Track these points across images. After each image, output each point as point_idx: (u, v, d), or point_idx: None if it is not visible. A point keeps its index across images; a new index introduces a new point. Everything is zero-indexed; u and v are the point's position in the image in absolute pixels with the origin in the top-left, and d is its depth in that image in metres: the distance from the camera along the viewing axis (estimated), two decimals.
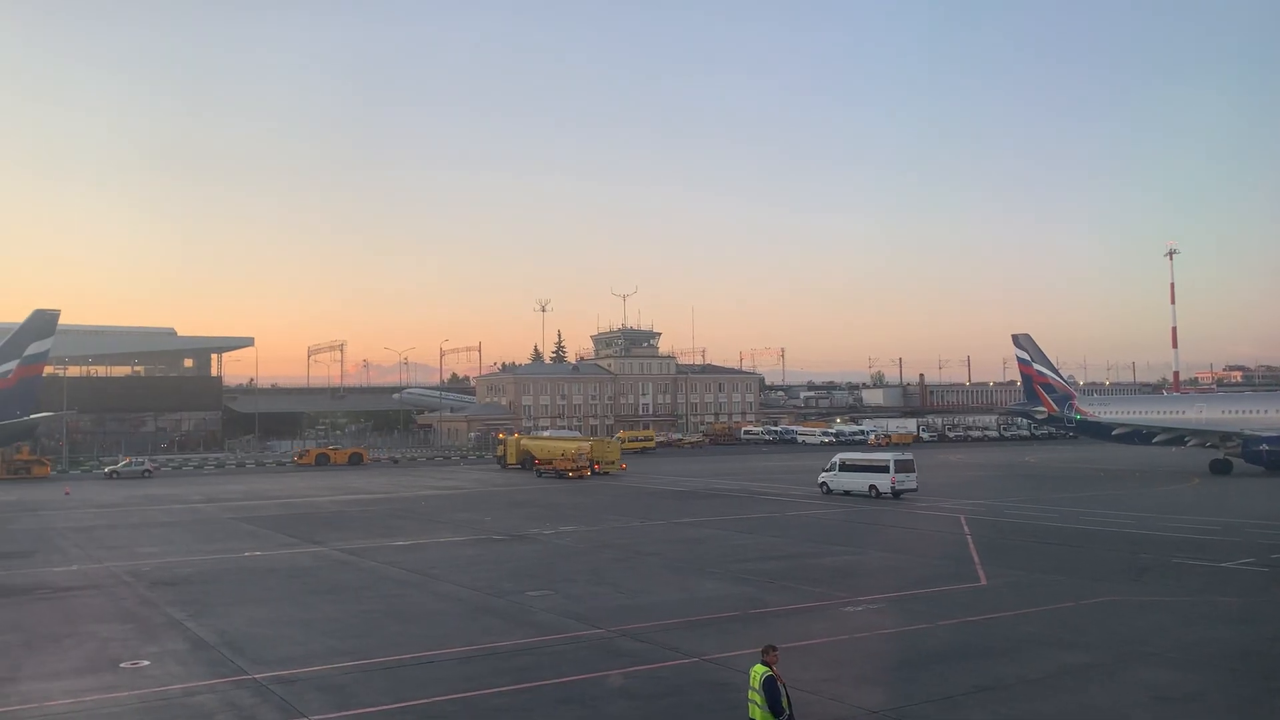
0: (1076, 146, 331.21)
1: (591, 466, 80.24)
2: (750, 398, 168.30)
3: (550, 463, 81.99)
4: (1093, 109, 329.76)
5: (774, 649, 14.32)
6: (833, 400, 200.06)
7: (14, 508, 58.64)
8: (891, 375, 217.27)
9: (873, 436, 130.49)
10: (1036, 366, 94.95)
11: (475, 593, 28.93)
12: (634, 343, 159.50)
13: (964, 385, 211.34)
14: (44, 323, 69.99)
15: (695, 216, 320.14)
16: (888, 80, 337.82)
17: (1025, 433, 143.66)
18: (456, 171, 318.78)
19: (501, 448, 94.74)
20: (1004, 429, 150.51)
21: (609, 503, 58.10)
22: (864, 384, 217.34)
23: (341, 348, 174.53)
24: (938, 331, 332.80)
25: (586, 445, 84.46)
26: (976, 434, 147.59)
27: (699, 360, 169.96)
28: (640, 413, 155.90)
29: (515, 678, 19.54)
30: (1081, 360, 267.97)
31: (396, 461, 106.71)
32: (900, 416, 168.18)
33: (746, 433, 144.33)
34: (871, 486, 56.80)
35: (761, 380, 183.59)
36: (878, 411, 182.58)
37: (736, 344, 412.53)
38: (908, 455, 59.91)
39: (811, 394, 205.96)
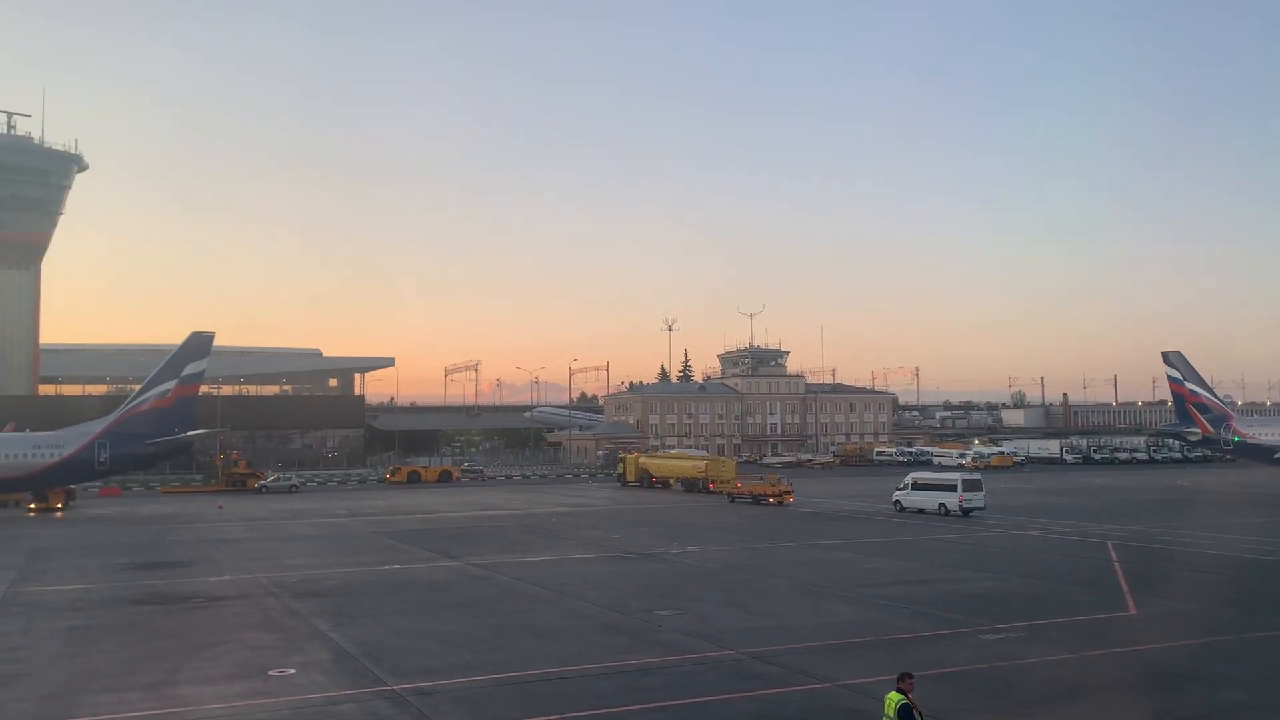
0: (1229, 152, 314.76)
1: (706, 485, 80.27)
2: (883, 418, 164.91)
3: (669, 480, 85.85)
4: (1249, 114, 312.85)
5: (909, 676, 13.93)
6: (970, 420, 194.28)
7: (172, 520, 62.00)
8: (1033, 394, 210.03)
9: (970, 458, 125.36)
10: (1189, 385, 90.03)
11: (605, 610, 29.10)
12: (761, 361, 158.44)
13: (1110, 405, 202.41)
14: (200, 344, 73.81)
15: (824, 233, 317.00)
16: (1030, 89, 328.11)
17: (1177, 455, 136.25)
18: (583, 192, 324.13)
19: (621, 466, 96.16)
20: (1154, 451, 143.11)
21: (734, 523, 57.71)
22: (1004, 404, 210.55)
23: (476, 368, 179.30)
24: (1082, 349, 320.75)
25: (701, 464, 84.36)
26: (1124, 456, 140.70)
27: (828, 379, 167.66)
28: (768, 432, 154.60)
29: (645, 696, 19.54)
30: (1239, 378, 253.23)
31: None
32: (1042, 437, 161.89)
33: (879, 454, 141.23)
34: (941, 504, 59.39)
35: (895, 400, 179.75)
36: (1018, 432, 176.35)
37: (868, 363, 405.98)
38: (976, 475, 65.81)
39: (948, 414, 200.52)
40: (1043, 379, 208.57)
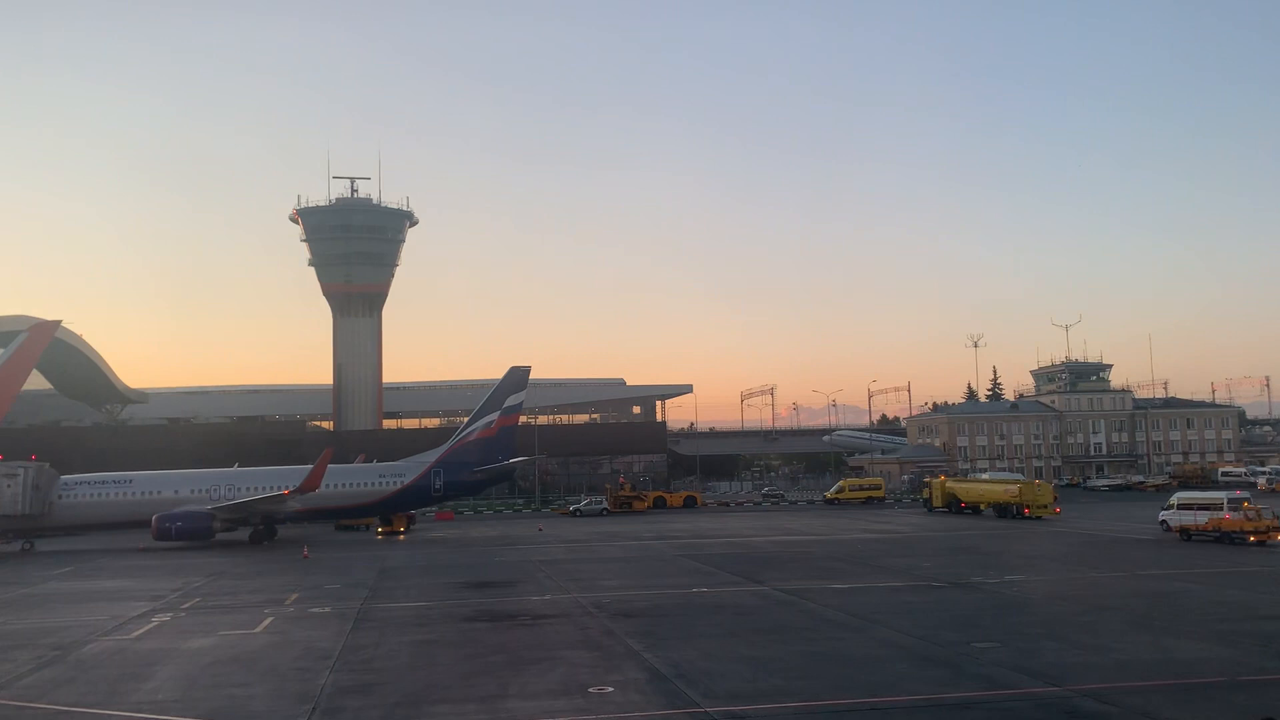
0: None
1: (1021, 510, 76.03)
2: (1227, 434, 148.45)
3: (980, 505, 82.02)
4: None
5: None
6: None
7: (498, 542, 66.46)
8: None
9: (1263, 480, 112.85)
10: None
11: (917, 640, 28.00)
12: (1080, 376, 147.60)
13: None
14: (518, 378, 79.27)
15: (1148, 233, 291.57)
16: None
17: None
18: (879, 209, 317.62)
19: (927, 490, 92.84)
20: None
21: (1054, 550, 53.90)
22: None
23: (772, 391, 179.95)
24: None
25: (1014, 488, 79.63)
26: None
27: (1159, 393, 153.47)
28: (1091, 453, 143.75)
29: None
30: None
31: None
32: None
33: (1224, 474, 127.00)
34: None
35: (1241, 414, 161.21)
36: None
37: (1206, 374, 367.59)
38: (1244, 494, 61.37)
39: None
40: None
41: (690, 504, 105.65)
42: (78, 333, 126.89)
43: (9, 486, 65.30)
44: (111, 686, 23.98)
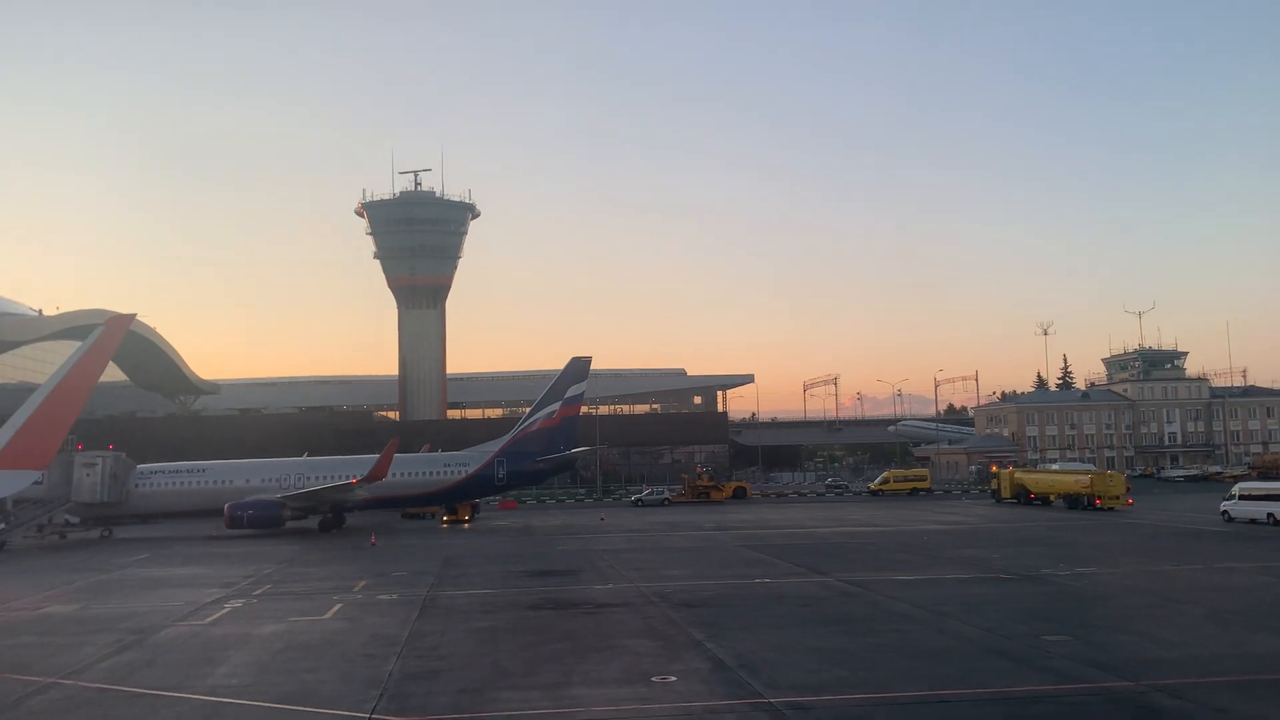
0: None
1: (1092, 501, 74.52)
2: None
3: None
4: None
5: None
6: None
7: (561, 531, 66.92)
8: None
9: None
10: None
11: (985, 633, 27.55)
12: (1154, 364, 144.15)
13: None
14: (579, 368, 79.60)
15: (1221, 215, 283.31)
16: None
17: None
18: (946, 196, 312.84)
19: (995, 481, 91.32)
20: None
21: (1126, 542, 52.76)
22: None
23: (835, 381, 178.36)
24: None
25: (1085, 478, 77.99)
26: None
27: (1238, 381, 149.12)
28: (1166, 442, 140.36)
29: None
30: None
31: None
32: None
33: None
34: (1269, 514, 59.16)
35: None
36: None
37: None
38: None
39: None
40: None
41: (740, 495, 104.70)
42: (152, 326, 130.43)
43: (88, 475, 67.39)
44: (187, 670, 24.59)
